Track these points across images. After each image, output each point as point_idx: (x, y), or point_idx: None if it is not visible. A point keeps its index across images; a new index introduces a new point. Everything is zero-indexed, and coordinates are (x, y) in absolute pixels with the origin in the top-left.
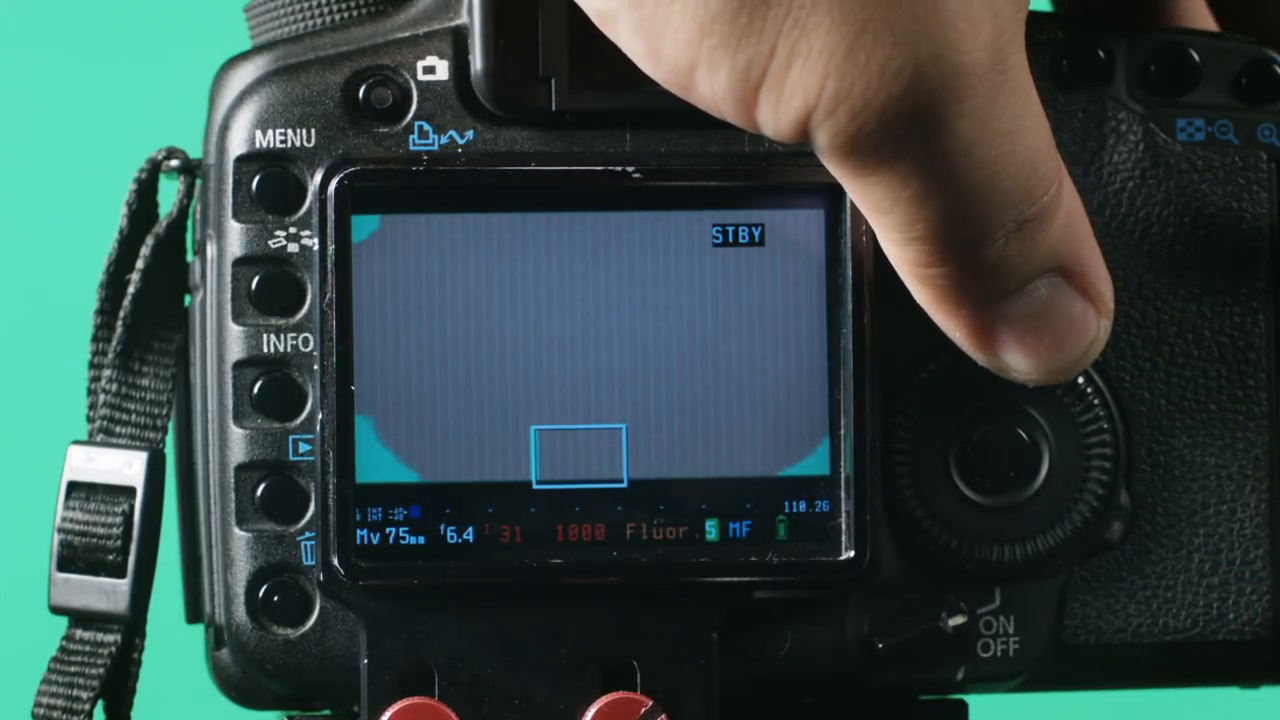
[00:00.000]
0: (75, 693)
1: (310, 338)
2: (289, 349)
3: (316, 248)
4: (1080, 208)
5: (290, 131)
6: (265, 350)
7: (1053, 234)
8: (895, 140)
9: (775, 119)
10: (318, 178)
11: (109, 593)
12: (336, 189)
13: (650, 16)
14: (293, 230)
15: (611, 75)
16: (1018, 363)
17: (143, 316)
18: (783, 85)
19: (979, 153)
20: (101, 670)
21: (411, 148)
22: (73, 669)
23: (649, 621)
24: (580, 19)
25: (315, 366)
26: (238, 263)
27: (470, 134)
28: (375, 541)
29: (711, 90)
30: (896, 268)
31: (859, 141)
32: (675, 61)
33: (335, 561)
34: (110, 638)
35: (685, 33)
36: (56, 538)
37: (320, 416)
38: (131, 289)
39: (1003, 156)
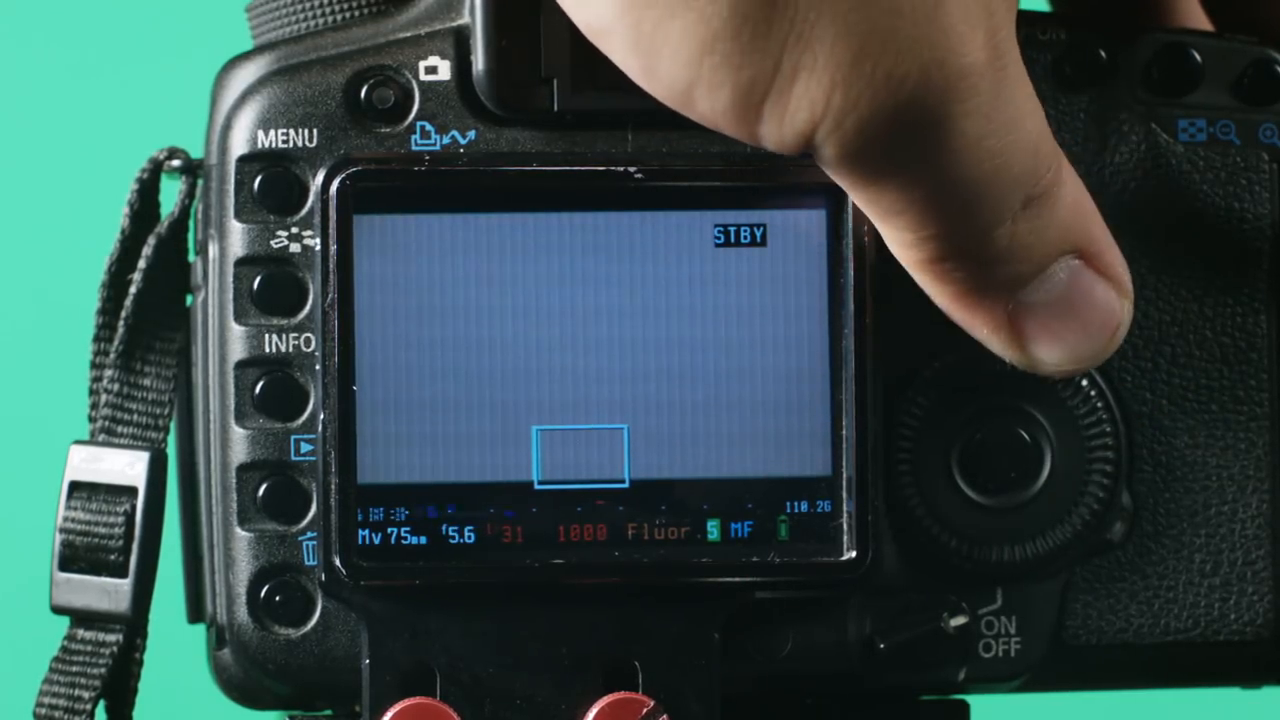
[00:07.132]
0: (77, 693)
1: (312, 338)
2: (291, 349)
3: (318, 248)
4: (1084, 190)
5: (292, 131)
6: (267, 350)
7: (1061, 212)
8: (903, 146)
9: (779, 133)
10: (320, 178)
11: (110, 593)
12: (338, 189)
13: (648, 35)
14: (295, 230)
15: (613, 75)
16: (1048, 354)
17: (144, 316)
18: (787, 100)
19: (987, 145)
20: (103, 670)
21: (413, 148)
22: (74, 669)
23: (650, 622)
24: None
25: (317, 367)
26: (240, 263)
27: (472, 134)
28: (377, 542)
29: (711, 107)
30: (911, 269)
31: (867, 152)
32: (673, 80)
33: (337, 562)
34: (112, 638)
35: (685, 51)
36: (58, 538)
37: (322, 416)
38: (133, 289)
39: (1008, 145)
